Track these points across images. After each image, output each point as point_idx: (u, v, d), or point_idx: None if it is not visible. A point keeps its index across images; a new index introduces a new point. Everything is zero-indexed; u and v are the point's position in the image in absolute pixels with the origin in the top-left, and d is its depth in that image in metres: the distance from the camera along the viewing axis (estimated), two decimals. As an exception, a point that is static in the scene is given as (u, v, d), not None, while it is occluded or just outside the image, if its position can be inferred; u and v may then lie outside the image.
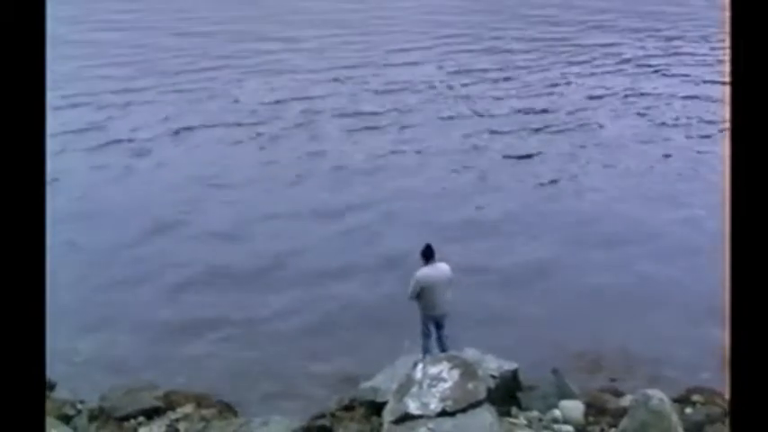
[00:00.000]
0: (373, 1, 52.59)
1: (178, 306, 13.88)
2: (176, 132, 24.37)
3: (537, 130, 24.01)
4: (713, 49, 34.36)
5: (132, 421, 10.01)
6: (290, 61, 34.52)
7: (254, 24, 44.81)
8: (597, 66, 33.16)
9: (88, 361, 12.14)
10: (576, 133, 23.79)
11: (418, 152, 22.18)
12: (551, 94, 28.46)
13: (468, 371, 9.21)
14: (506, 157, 21.77)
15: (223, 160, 21.66)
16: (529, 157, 21.67)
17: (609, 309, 13.45)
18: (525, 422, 9.48)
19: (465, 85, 29.84)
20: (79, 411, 10.35)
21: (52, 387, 10.87)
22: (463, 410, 8.70)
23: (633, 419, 8.72)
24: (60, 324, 11.84)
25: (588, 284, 14.34)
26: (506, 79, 30.72)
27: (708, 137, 22.70)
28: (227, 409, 10.45)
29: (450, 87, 29.49)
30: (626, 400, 9.78)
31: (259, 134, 24.02)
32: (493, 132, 23.87)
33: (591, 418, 9.67)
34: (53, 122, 20.89)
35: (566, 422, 9.53)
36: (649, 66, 32.95)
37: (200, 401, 10.47)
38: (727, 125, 19.82)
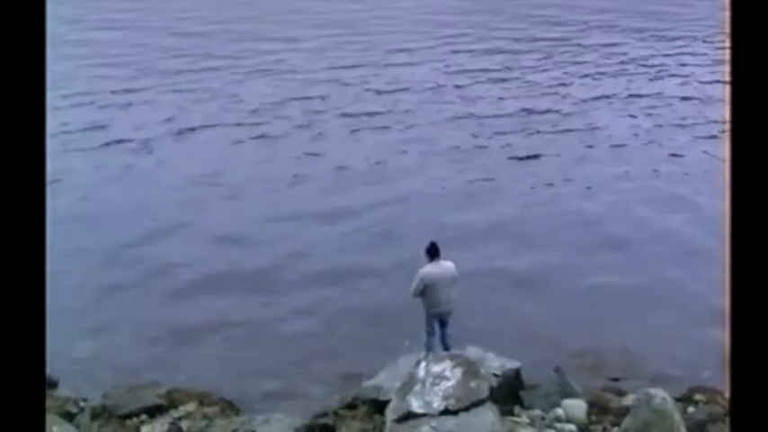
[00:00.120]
0: (374, 1, 52.61)
1: (180, 307, 13.82)
2: (177, 132, 24.34)
3: (539, 131, 23.97)
4: (716, 49, 34.34)
5: (135, 419, 10.01)
6: (291, 61, 34.54)
7: (254, 24, 44.87)
8: (600, 66, 33.15)
9: (90, 359, 12.13)
10: (579, 134, 23.76)
11: (420, 153, 22.13)
12: (554, 94, 28.43)
13: (470, 369, 9.22)
14: (509, 157, 21.72)
15: (224, 160, 21.61)
16: (531, 158, 21.60)
17: (611, 308, 13.45)
18: (528, 421, 9.49)
19: (466, 85, 29.81)
20: (82, 409, 10.35)
21: (55, 385, 10.89)
22: (466, 409, 8.71)
23: (636, 418, 8.72)
24: (62, 323, 11.92)
25: (591, 285, 14.31)
26: (508, 79, 30.71)
27: (712, 137, 22.65)
28: (230, 407, 10.45)
29: (452, 88, 29.45)
30: (628, 399, 9.79)
31: (260, 134, 23.97)
32: (495, 133, 23.82)
33: (593, 417, 9.68)
34: (54, 122, 21.02)
35: (568, 421, 9.54)
36: (652, 66, 32.96)
37: (202, 399, 10.48)
38: (728, 126, 19.80)
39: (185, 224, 17.39)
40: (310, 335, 12.72)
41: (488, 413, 8.78)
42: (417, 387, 9.02)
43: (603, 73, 31.88)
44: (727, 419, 8.92)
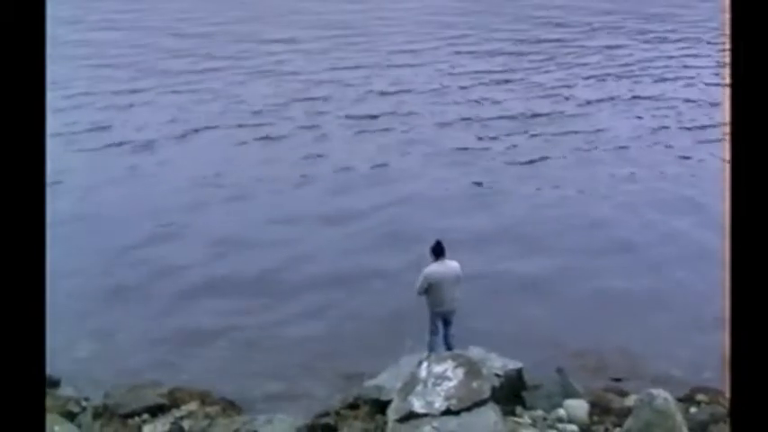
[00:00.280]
0: (376, 2, 52.60)
1: (183, 309, 13.78)
2: (180, 134, 24.30)
3: (543, 133, 23.94)
4: (720, 51, 34.30)
5: (136, 418, 10.02)
6: (293, 62, 34.55)
7: (255, 25, 44.90)
8: (603, 68, 33.12)
9: (92, 359, 12.14)
10: (583, 136, 23.72)
11: (423, 154, 22.10)
12: (557, 96, 28.40)
13: (472, 369, 9.21)
14: (513, 159, 21.69)
15: (227, 162, 21.59)
16: (535, 160, 21.55)
17: (614, 310, 13.44)
18: (530, 421, 9.48)
19: (470, 86, 29.80)
20: (83, 408, 10.36)
21: (56, 384, 10.89)
22: (468, 409, 8.71)
23: (637, 419, 8.72)
24: (64, 324, 11.93)
25: (595, 287, 14.29)
26: (512, 81, 30.70)
27: (717, 140, 22.58)
28: (231, 407, 10.46)
29: (455, 89, 29.44)
30: (630, 400, 9.79)
31: (263, 136, 23.95)
32: (499, 135, 23.82)
33: (595, 418, 9.67)
34: (55, 123, 21.01)
35: (570, 421, 9.53)
36: (656, 68, 32.92)
37: (204, 399, 10.49)
38: (728, 127, 19.76)
39: (188, 226, 17.36)
40: (313, 337, 12.69)
41: (490, 413, 8.77)
42: (419, 387, 9.01)
43: (608, 75, 31.85)
44: (728, 420, 8.91)
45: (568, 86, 29.78)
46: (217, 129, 24.80)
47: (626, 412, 9.28)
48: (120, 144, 23.24)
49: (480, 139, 23.52)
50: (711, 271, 13.51)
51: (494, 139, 23.49)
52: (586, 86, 29.90)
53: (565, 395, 10.01)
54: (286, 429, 9.57)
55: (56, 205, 14.83)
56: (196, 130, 24.62)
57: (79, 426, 9.88)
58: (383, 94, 28.72)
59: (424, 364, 9.36)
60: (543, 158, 21.73)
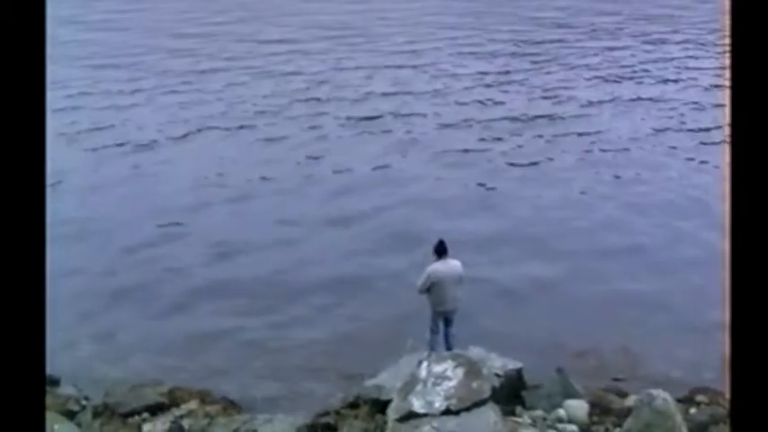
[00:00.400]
0: (377, 2, 52.57)
1: (183, 309, 13.80)
2: (181, 134, 24.28)
3: (544, 134, 23.93)
4: (720, 53, 34.28)
5: (137, 417, 10.04)
6: (294, 62, 34.51)
7: (256, 25, 44.85)
8: (604, 69, 33.11)
9: (93, 358, 12.15)
10: (584, 137, 23.70)
11: (425, 156, 22.08)
12: (558, 97, 28.39)
13: (472, 369, 9.22)
14: (515, 161, 21.64)
15: (228, 163, 21.56)
16: (537, 162, 21.53)
17: (614, 311, 13.44)
18: (530, 421, 9.48)
19: (471, 87, 29.79)
20: (83, 407, 10.39)
21: (56, 383, 10.90)
22: (467, 409, 8.71)
23: (637, 419, 8.73)
24: (64, 322, 11.96)
25: (596, 289, 14.31)
26: (513, 82, 30.66)
27: (718, 143, 22.54)
28: (232, 406, 10.47)
29: (457, 90, 29.42)
30: (630, 400, 9.80)
31: (264, 136, 23.93)
32: (499, 135, 23.83)
33: (595, 418, 9.67)
34: (55, 124, 21.02)
35: (570, 421, 9.53)
36: (656, 69, 32.91)
37: (204, 398, 10.51)
38: (729, 129, 19.77)
39: (190, 227, 17.34)
40: (315, 339, 12.68)
41: (490, 413, 8.78)
42: (419, 387, 9.02)
43: (609, 76, 31.82)
44: (728, 420, 8.92)
45: (570, 87, 29.74)
46: (218, 129, 24.77)
47: (626, 413, 9.29)
48: (122, 144, 23.22)
49: (482, 140, 23.50)
50: (715, 272, 13.55)
51: (496, 140, 23.46)
52: (588, 87, 29.87)
53: (565, 395, 10.00)
54: (286, 429, 9.58)
55: (56, 205, 14.90)
56: (197, 131, 24.59)
57: (79, 424, 9.90)
58: (385, 94, 28.68)
59: (424, 364, 9.37)
60: (546, 160, 21.70)
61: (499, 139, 23.58)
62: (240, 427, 9.60)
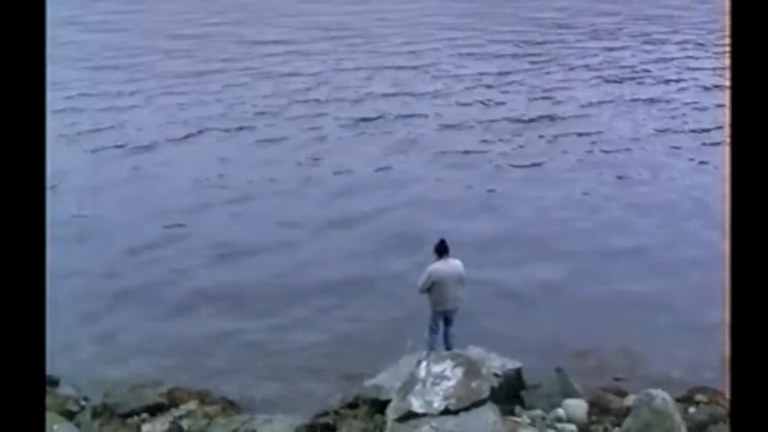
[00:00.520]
0: (375, 3, 52.55)
1: (184, 312, 13.78)
2: (180, 135, 24.23)
3: (545, 135, 23.92)
4: (720, 53, 34.26)
5: (136, 418, 10.04)
6: (293, 63, 34.49)
7: (255, 26, 44.83)
8: (604, 69, 33.10)
9: (93, 359, 12.15)
10: (585, 138, 23.68)
11: (425, 157, 22.06)
12: (559, 97, 28.37)
13: (471, 369, 9.22)
14: (516, 162, 21.62)
15: (228, 164, 21.55)
16: (538, 163, 21.50)
17: (615, 311, 13.45)
18: (529, 421, 9.47)
19: (471, 88, 29.78)
20: (83, 408, 10.39)
21: (56, 383, 10.90)
22: (466, 409, 8.71)
23: (636, 419, 8.72)
24: (65, 324, 11.96)
25: (598, 289, 14.31)
26: (513, 83, 30.65)
27: (718, 143, 22.50)
28: (231, 407, 10.48)
29: (456, 91, 29.42)
30: (629, 400, 9.79)
31: (263, 138, 23.92)
32: (500, 136, 23.81)
33: (594, 418, 9.67)
34: (55, 125, 20.97)
35: (569, 421, 9.52)
36: (657, 70, 32.91)
37: (203, 398, 10.51)
38: (729, 129, 19.71)
39: (191, 228, 17.29)
40: (315, 341, 12.67)
41: (489, 413, 8.77)
42: (418, 387, 9.02)
43: (609, 76, 31.81)
44: (728, 420, 8.91)
45: (570, 88, 29.73)
46: (217, 130, 24.73)
47: (625, 412, 9.28)
48: (121, 146, 23.17)
49: (484, 141, 23.48)
50: (716, 272, 13.55)
51: (497, 141, 23.44)
52: (588, 88, 29.85)
53: (564, 395, 10.00)
54: (285, 429, 9.59)
55: (56, 207, 14.90)
56: (197, 132, 24.55)
57: (78, 425, 9.90)
58: (385, 95, 28.65)
59: (423, 364, 9.37)
60: (547, 160, 21.70)
61: (500, 139, 23.55)
62: (239, 427, 9.61)
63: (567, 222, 17.42)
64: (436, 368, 9.23)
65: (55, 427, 9.22)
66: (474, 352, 10.32)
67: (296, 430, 9.61)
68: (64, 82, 29.02)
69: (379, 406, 9.68)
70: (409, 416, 8.69)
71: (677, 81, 30.96)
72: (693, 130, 24.43)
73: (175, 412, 10.13)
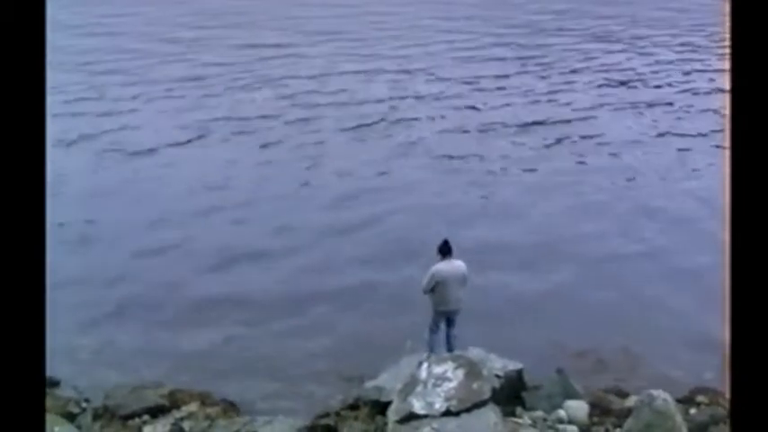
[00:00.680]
0: (371, 7, 52.50)
1: (185, 316, 13.74)
2: (179, 140, 24.12)
3: (544, 138, 23.91)
4: (719, 56, 34.32)
5: (137, 419, 10.04)
6: (290, 67, 34.40)
7: (253, 30, 44.79)
8: (602, 72, 33.12)
9: (92, 361, 12.14)
10: (584, 141, 23.68)
11: (424, 161, 22.00)
12: (556, 101, 28.37)
13: (472, 370, 9.24)
14: (514, 166, 21.62)
15: (228, 169, 21.47)
16: (537, 167, 21.49)
17: (616, 311, 13.46)
18: (530, 422, 9.48)
19: (469, 92, 29.75)
20: (84, 409, 10.39)
21: (56, 385, 10.91)
22: (467, 410, 8.73)
23: (637, 420, 8.74)
24: (65, 322, 11.96)
25: (599, 290, 14.32)
26: (512, 87, 30.64)
27: (718, 146, 22.45)
28: (232, 408, 10.48)
29: (455, 95, 29.39)
30: (630, 401, 9.82)
31: (261, 142, 23.81)
32: (498, 140, 23.80)
33: (595, 419, 9.69)
34: (54, 129, 20.91)
35: (570, 422, 9.55)
36: (655, 72, 32.93)
37: (204, 400, 10.52)
38: (729, 131, 19.69)
39: (191, 234, 17.20)
40: (317, 347, 12.62)
41: (490, 414, 8.79)
42: (419, 388, 9.03)
43: (607, 79, 31.82)
44: (728, 421, 8.92)
45: (570, 91, 29.74)
46: (216, 135, 24.63)
47: (626, 413, 9.31)
48: (120, 150, 23.08)
49: (483, 145, 23.45)
50: (716, 273, 13.54)
51: (496, 144, 23.41)
52: (588, 91, 29.87)
53: (565, 396, 10.02)
54: (286, 430, 9.60)
55: (55, 211, 14.85)
56: (197, 137, 24.44)
57: (79, 427, 9.90)
58: (382, 100, 28.55)
59: (424, 365, 9.39)
60: (546, 164, 21.68)
61: (500, 143, 23.53)
62: (240, 428, 9.62)
63: (568, 226, 17.38)
64: (437, 369, 9.25)
65: (56, 428, 9.22)
66: (475, 353, 10.34)
67: (297, 431, 9.62)
68: (61, 86, 28.96)
69: (380, 407, 9.70)
70: (410, 417, 8.71)
71: (677, 84, 30.98)
72: (694, 133, 24.41)
73: (176, 414, 10.14)
